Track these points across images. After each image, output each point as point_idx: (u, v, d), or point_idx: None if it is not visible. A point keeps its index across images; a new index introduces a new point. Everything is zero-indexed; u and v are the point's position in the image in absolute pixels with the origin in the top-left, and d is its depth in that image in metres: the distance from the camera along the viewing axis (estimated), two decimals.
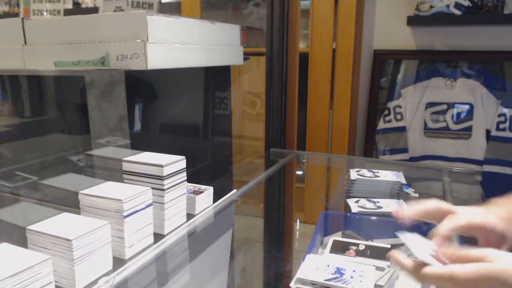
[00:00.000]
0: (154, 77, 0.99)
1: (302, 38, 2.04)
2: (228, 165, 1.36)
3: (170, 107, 1.08)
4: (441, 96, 1.76)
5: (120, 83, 0.86)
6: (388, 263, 0.78)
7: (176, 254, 0.80)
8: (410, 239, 0.55)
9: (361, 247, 0.83)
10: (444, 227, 0.55)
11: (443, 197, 1.02)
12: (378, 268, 0.79)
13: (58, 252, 0.61)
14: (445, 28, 1.74)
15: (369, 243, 0.85)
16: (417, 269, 0.50)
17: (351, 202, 1.07)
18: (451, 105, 1.75)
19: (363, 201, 1.06)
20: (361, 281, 0.66)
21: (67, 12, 1.10)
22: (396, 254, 0.53)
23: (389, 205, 1.05)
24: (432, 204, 0.59)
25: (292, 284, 0.67)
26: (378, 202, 1.06)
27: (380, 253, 0.80)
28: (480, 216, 0.56)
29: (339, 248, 0.83)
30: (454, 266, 0.48)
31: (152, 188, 0.76)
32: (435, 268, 0.49)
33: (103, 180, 0.77)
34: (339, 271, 0.69)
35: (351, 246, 0.83)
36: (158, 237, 0.79)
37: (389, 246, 0.83)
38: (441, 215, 0.58)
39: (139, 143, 0.91)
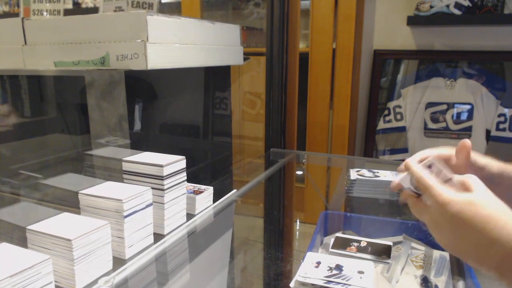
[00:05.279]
0: (154, 77, 0.99)
1: (302, 38, 2.04)
2: (228, 165, 1.36)
3: (170, 107, 1.08)
4: (441, 96, 1.76)
5: (120, 83, 0.86)
6: (389, 260, 0.79)
7: (176, 254, 0.80)
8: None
9: (363, 244, 0.83)
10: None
11: None
12: (378, 264, 0.80)
13: (58, 252, 0.61)
14: (445, 28, 1.74)
15: (371, 240, 0.85)
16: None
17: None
18: (451, 105, 1.75)
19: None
20: (361, 278, 0.66)
21: (67, 12, 1.10)
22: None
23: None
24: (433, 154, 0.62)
25: (292, 284, 0.67)
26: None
27: (381, 250, 0.81)
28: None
29: (341, 244, 0.83)
30: (438, 183, 0.51)
31: (152, 188, 0.76)
32: (422, 170, 0.54)
33: (103, 180, 0.78)
34: (339, 268, 0.69)
35: (353, 243, 0.84)
36: (158, 237, 0.79)
37: (391, 243, 0.83)
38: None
39: (139, 143, 0.91)
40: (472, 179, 0.51)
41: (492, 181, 0.60)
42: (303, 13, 1.89)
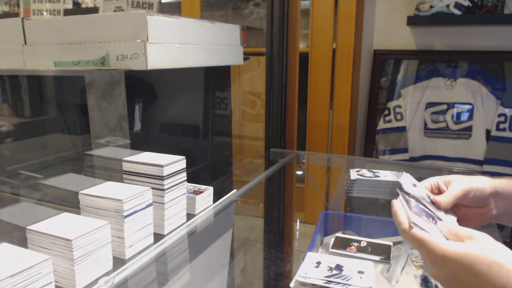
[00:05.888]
0: (154, 77, 0.99)
1: (302, 38, 2.04)
2: (228, 165, 1.36)
3: (170, 107, 1.08)
4: (441, 96, 1.76)
5: (120, 83, 0.86)
6: (389, 260, 0.79)
7: (176, 254, 0.80)
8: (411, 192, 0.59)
9: (363, 244, 0.83)
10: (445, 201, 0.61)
11: None
12: (378, 264, 0.79)
13: (58, 252, 0.61)
14: (445, 28, 1.74)
15: (371, 240, 0.85)
16: (402, 226, 0.53)
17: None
18: (451, 105, 1.75)
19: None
20: (361, 278, 0.66)
21: (67, 12, 1.11)
22: (396, 206, 0.58)
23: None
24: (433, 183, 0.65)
25: (292, 284, 0.67)
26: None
27: (381, 250, 0.81)
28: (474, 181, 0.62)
29: (341, 244, 0.83)
30: (433, 236, 0.50)
31: (152, 188, 0.76)
32: (415, 230, 0.51)
33: (103, 180, 0.78)
34: (339, 268, 0.69)
35: (353, 243, 0.84)
36: (158, 237, 0.79)
37: (391, 243, 0.83)
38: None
39: (139, 143, 0.91)
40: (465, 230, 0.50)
41: (488, 201, 0.61)
42: (303, 13, 1.89)
